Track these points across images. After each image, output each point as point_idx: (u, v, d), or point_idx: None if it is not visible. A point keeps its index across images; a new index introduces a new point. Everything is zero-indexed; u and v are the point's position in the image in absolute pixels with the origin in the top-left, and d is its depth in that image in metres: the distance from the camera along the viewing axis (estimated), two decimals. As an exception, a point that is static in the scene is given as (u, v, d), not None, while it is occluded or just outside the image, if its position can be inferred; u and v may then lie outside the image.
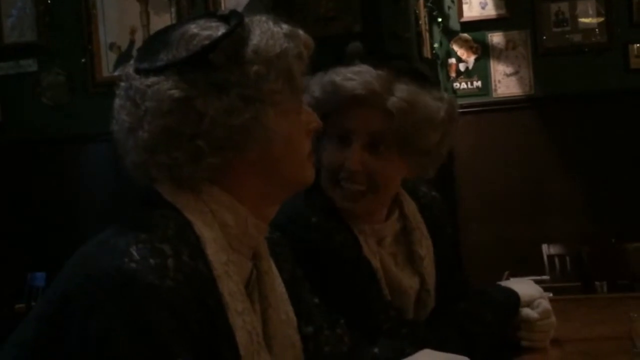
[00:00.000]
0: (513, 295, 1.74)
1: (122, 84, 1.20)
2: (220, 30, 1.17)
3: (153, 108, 1.13)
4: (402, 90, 1.61)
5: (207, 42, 1.15)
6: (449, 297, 1.77)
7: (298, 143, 1.24)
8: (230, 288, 1.14)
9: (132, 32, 4.97)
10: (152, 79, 1.14)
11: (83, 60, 5.00)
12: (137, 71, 1.17)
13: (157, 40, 1.21)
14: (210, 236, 1.15)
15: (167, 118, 1.13)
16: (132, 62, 1.22)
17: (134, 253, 1.06)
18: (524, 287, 1.78)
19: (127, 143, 1.18)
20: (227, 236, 1.18)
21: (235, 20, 1.18)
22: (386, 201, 1.73)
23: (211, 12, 1.25)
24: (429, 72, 1.73)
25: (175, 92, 1.13)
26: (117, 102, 1.19)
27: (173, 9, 4.90)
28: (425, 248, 1.77)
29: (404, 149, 1.63)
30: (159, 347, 1.02)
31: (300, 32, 1.24)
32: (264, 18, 1.22)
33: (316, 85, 1.64)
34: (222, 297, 1.13)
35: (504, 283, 1.81)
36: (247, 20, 1.20)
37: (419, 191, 1.84)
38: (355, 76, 1.61)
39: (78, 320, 1.02)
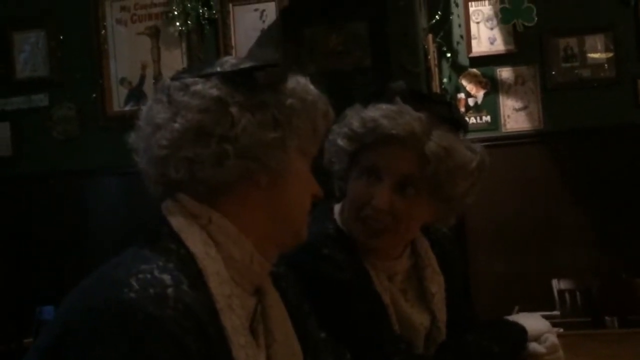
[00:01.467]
0: (520, 330, 1.73)
1: (157, 93, 1.25)
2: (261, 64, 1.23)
3: (190, 104, 1.18)
4: (440, 137, 1.61)
5: (255, 63, 1.21)
6: (457, 330, 1.76)
7: (305, 186, 1.27)
8: (233, 321, 1.14)
9: (143, 67, 5.01)
10: (193, 80, 1.20)
11: (94, 95, 5.03)
12: (173, 78, 1.23)
13: (197, 65, 1.29)
14: (214, 269, 1.15)
15: (203, 115, 1.17)
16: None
17: (134, 283, 1.06)
18: (532, 321, 1.77)
19: (151, 139, 1.21)
20: (230, 270, 1.19)
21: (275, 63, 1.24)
22: (405, 241, 1.73)
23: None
24: (466, 121, 1.74)
25: (215, 91, 1.18)
26: (147, 106, 1.24)
27: (184, 44, 4.94)
28: (436, 285, 1.77)
29: (432, 195, 1.63)
30: None
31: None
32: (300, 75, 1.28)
33: (355, 117, 1.65)
34: (225, 330, 1.13)
35: (512, 317, 1.80)
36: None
37: (430, 227, 1.84)
38: (396, 116, 1.61)
39: (79, 351, 1.03)
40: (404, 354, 1.59)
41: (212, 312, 1.12)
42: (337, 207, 1.72)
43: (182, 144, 1.17)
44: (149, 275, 1.08)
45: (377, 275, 1.67)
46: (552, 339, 1.74)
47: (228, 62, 1.23)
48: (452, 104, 1.80)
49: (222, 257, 1.18)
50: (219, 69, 1.21)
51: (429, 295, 1.75)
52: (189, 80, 1.20)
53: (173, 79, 1.24)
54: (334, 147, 1.69)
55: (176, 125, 1.17)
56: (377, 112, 1.62)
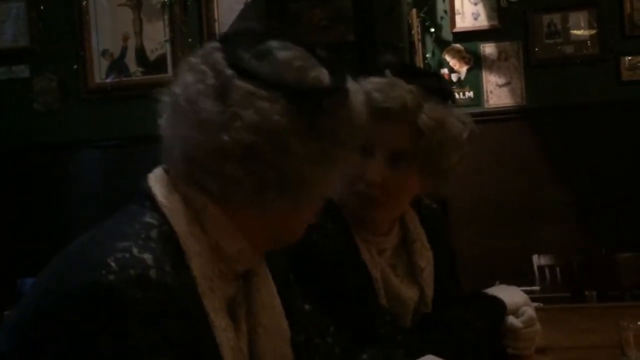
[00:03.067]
0: (499, 303, 1.75)
1: (198, 61, 1.13)
2: (324, 75, 1.14)
3: (251, 120, 1.07)
4: (431, 109, 1.60)
5: (321, 84, 1.12)
6: (442, 306, 1.77)
7: (319, 205, 1.22)
8: (214, 304, 1.11)
9: (125, 39, 4.96)
10: (257, 90, 1.08)
11: (75, 66, 4.99)
12: (235, 66, 1.10)
13: (255, 43, 1.14)
14: (196, 250, 1.11)
15: (260, 138, 1.07)
16: (215, 44, 1.15)
17: (112, 264, 1.01)
18: (510, 294, 1.78)
19: (189, 131, 1.10)
20: (215, 252, 1.14)
21: (338, 72, 1.16)
22: (395, 215, 1.73)
23: (309, 44, 1.19)
24: (453, 92, 1.73)
25: (282, 121, 1.08)
26: (187, 76, 1.12)
27: (166, 16, 4.90)
28: (425, 260, 1.77)
29: (424, 167, 1.63)
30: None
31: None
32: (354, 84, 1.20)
33: None
34: (208, 314, 1.10)
35: (490, 289, 1.82)
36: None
37: (420, 202, 1.84)
38: (388, 89, 1.60)
39: (57, 338, 0.99)
40: (389, 326, 1.60)
41: (194, 295, 1.08)
42: None
43: (225, 160, 1.08)
44: (127, 255, 1.03)
45: (368, 248, 1.68)
46: (530, 312, 1.75)
47: (291, 65, 1.12)
48: (441, 75, 1.80)
49: (207, 240, 1.13)
50: (282, 76, 1.10)
51: (418, 269, 1.76)
52: (252, 88, 1.08)
53: (232, 63, 1.10)
54: None
55: (226, 139, 1.07)
56: (368, 85, 1.60)
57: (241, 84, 1.09)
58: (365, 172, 1.61)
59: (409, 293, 1.74)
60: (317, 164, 1.11)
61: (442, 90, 1.66)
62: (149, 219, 1.11)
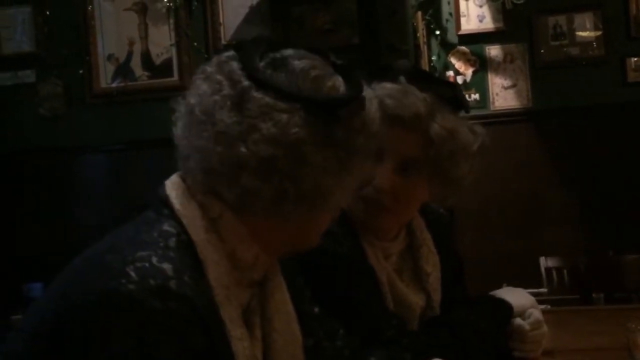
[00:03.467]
0: (505, 305, 1.74)
1: (213, 70, 1.13)
2: (339, 83, 1.15)
3: (268, 132, 1.07)
4: (444, 118, 1.59)
5: (338, 94, 1.12)
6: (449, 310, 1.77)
7: (334, 214, 1.22)
8: (231, 313, 1.12)
9: (131, 43, 4.97)
10: (274, 102, 1.09)
11: (81, 71, 5.00)
12: (252, 77, 1.10)
13: (270, 51, 1.14)
14: (214, 259, 1.11)
15: (278, 150, 1.07)
16: (230, 52, 1.15)
17: (132, 274, 1.01)
18: (516, 297, 1.77)
19: (206, 142, 1.10)
20: (232, 260, 1.14)
21: (354, 80, 1.16)
22: (402, 222, 1.73)
23: (324, 52, 1.19)
24: (467, 102, 1.73)
25: (301, 133, 1.08)
26: (203, 86, 1.13)
27: (171, 20, 4.91)
28: (431, 265, 1.77)
29: (434, 176, 1.62)
30: None
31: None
32: (370, 91, 1.20)
33: None
34: (224, 324, 1.10)
35: (497, 292, 1.81)
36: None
37: (427, 207, 1.83)
38: (401, 96, 1.58)
39: (77, 345, 0.99)
40: (395, 329, 1.59)
41: (211, 305, 1.08)
42: None
43: (243, 171, 1.08)
44: (147, 264, 1.03)
45: (375, 253, 1.67)
46: (536, 314, 1.74)
47: (308, 75, 1.12)
48: (456, 84, 1.79)
49: (223, 248, 1.13)
50: (299, 86, 1.10)
51: (424, 275, 1.75)
52: (270, 100, 1.08)
53: (249, 74, 1.10)
54: None
55: (243, 151, 1.07)
56: (381, 90, 1.58)
57: (258, 95, 1.09)
58: (374, 178, 1.60)
59: (415, 298, 1.73)
60: (333, 173, 1.11)
61: (455, 99, 1.65)
62: (167, 227, 1.11)
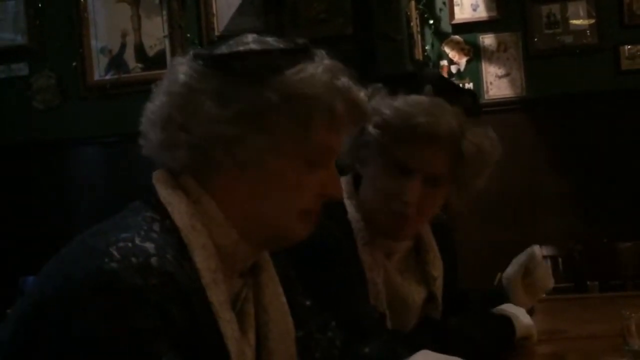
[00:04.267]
0: (509, 327, 1.73)
1: None
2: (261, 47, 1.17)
3: (166, 85, 1.16)
4: (473, 134, 1.59)
5: (240, 49, 1.16)
6: (446, 305, 1.77)
7: (292, 191, 1.19)
8: (219, 297, 1.11)
9: (124, 35, 4.96)
10: (179, 60, 1.17)
11: (74, 63, 4.99)
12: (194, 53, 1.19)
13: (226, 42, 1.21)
14: (199, 243, 1.12)
15: (170, 98, 1.15)
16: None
17: (114, 252, 1.03)
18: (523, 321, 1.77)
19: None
20: (217, 248, 1.15)
21: (295, 49, 1.18)
22: (419, 230, 1.74)
23: (295, 41, 1.21)
24: (481, 108, 1.73)
25: (182, 77, 1.14)
26: None
27: (164, 12, 4.88)
28: (437, 269, 1.77)
29: (457, 188, 1.63)
30: (142, 348, 0.99)
31: (350, 90, 1.19)
32: (326, 63, 1.19)
33: (385, 105, 1.59)
34: (212, 305, 1.10)
35: (507, 310, 1.80)
36: (306, 55, 1.18)
37: None
38: (437, 113, 1.56)
39: (59, 322, 1.00)
40: (376, 325, 1.58)
41: (197, 286, 1.09)
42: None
43: (152, 125, 1.17)
44: (130, 244, 1.04)
45: (370, 251, 1.65)
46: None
47: (242, 42, 1.18)
48: (473, 92, 1.78)
49: (207, 234, 1.14)
50: (222, 49, 1.17)
51: (431, 279, 1.76)
52: (175, 61, 1.18)
53: (194, 52, 1.19)
54: (361, 132, 1.62)
55: (152, 107, 1.17)
56: (413, 107, 1.56)
57: (178, 58, 1.19)
58: (404, 192, 1.59)
59: (415, 296, 1.73)
60: (236, 126, 1.12)
61: (477, 108, 1.65)
62: (151, 213, 1.13)
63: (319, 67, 1.17)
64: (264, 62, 1.14)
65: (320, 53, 1.21)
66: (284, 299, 1.28)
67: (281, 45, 1.18)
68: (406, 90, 1.60)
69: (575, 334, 1.89)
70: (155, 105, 1.16)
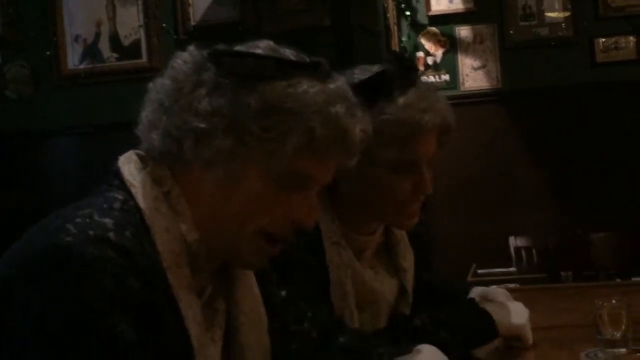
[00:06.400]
0: (488, 324, 1.73)
1: None
2: (281, 57, 1.15)
3: (169, 68, 1.18)
4: (448, 107, 1.62)
5: (241, 49, 1.16)
6: (416, 297, 1.77)
7: (252, 204, 1.13)
8: (180, 281, 1.10)
9: (98, 24, 4.91)
10: (190, 49, 1.18)
11: (48, 53, 4.94)
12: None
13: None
14: (162, 226, 1.10)
15: (168, 81, 1.16)
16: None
17: (71, 227, 1.02)
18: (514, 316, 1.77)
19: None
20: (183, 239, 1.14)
21: (284, 58, 1.15)
22: None
23: (307, 57, 1.18)
24: None
25: (183, 63, 1.16)
26: None
27: (140, 1, 4.85)
28: (408, 261, 1.77)
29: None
30: (98, 317, 0.98)
31: (340, 119, 1.13)
32: (330, 87, 1.14)
33: (388, 118, 1.56)
34: (172, 288, 1.08)
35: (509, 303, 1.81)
36: (311, 73, 1.14)
37: None
38: (434, 103, 1.58)
39: (19, 302, 1.00)
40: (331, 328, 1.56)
41: (157, 266, 1.07)
42: None
43: (149, 104, 1.18)
44: (87, 220, 1.04)
45: (338, 252, 1.62)
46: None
47: (246, 46, 1.18)
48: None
49: (173, 218, 1.12)
50: (219, 46, 1.17)
51: (401, 271, 1.75)
52: (192, 47, 1.19)
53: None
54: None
55: (152, 86, 1.19)
56: (413, 110, 1.55)
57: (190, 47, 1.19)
58: (427, 186, 1.59)
59: (387, 292, 1.72)
60: (207, 120, 1.11)
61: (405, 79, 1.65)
62: (113, 194, 1.12)
63: (315, 87, 1.13)
64: (255, 66, 1.12)
65: (338, 78, 1.17)
66: (257, 290, 1.27)
67: (291, 58, 1.15)
68: (401, 90, 1.57)
69: (549, 323, 1.90)
70: (156, 85, 1.17)
